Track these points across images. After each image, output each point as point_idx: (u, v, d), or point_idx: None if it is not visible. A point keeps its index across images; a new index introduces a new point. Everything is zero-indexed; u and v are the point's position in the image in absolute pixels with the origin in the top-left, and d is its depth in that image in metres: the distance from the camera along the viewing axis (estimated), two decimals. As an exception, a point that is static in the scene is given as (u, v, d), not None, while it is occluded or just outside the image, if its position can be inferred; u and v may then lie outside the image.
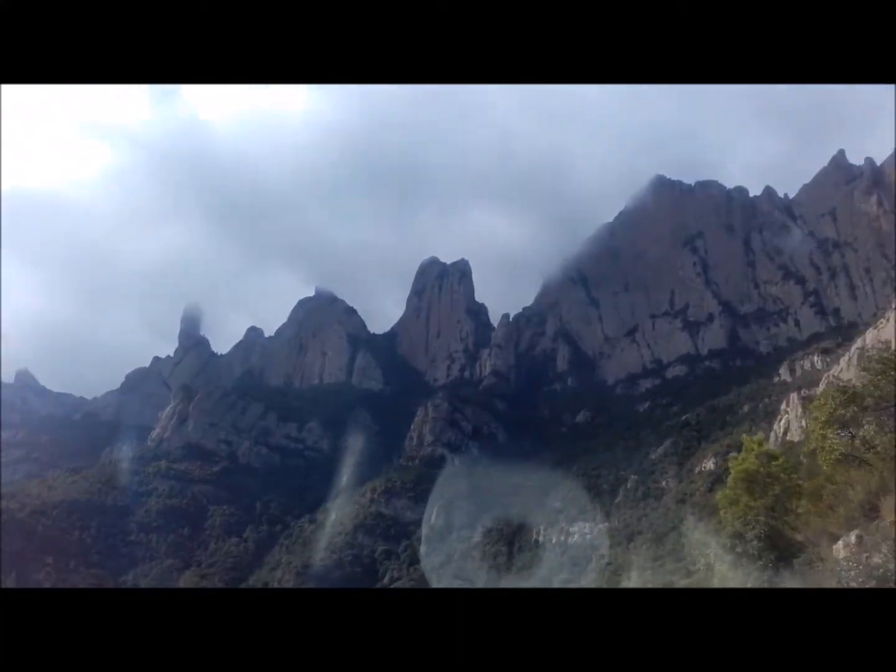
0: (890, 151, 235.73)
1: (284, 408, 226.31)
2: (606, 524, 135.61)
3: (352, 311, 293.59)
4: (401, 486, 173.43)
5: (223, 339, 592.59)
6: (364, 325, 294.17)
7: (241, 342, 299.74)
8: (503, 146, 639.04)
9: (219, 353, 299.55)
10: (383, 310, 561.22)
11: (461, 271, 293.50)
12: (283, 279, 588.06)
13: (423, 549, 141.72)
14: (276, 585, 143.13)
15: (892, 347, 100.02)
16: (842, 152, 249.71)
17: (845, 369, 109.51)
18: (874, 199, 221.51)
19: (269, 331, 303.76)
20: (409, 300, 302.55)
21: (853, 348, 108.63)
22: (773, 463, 27.60)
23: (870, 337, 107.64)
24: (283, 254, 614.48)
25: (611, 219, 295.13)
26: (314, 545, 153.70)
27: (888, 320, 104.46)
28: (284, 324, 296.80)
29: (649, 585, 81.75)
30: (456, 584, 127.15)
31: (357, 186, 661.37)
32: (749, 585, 21.04)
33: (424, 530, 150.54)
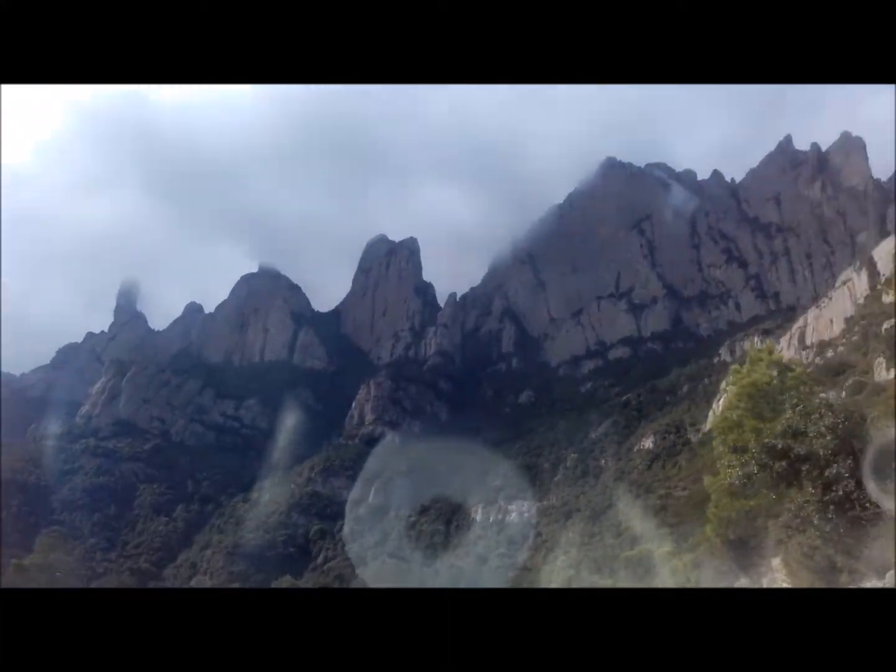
0: (835, 138, 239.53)
1: (222, 385, 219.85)
2: (545, 502, 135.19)
3: (296, 288, 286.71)
4: (339, 464, 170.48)
5: (161, 315, 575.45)
6: (308, 303, 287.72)
7: (179, 318, 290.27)
8: (457, 123, 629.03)
9: (156, 329, 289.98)
10: (329, 287, 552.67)
11: (409, 249, 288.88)
12: (225, 254, 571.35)
13: (353, 528, 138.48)
14: (204, 566, 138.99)
15: (833, 328, 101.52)
16: (788, 138, 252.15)
17: (786, 349, 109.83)
18: (818, 185, 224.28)
19: (210, 307, 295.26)
20: (355, 278, 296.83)
21: (794, 328, 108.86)
22: (790, 375, 22.38)
23: (811, 317, 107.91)
24: (227, 228, 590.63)
25: (561, 200, 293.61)
26: (247, 525, 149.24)
27: (830, 299, 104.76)
28: (226, 300, 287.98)
29: (586, 560, 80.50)
30: (390, 563, 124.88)
31: (305, 160, 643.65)
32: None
33: (360, 509, 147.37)
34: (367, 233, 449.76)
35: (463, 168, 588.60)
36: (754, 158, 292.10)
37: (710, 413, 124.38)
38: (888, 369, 58.77)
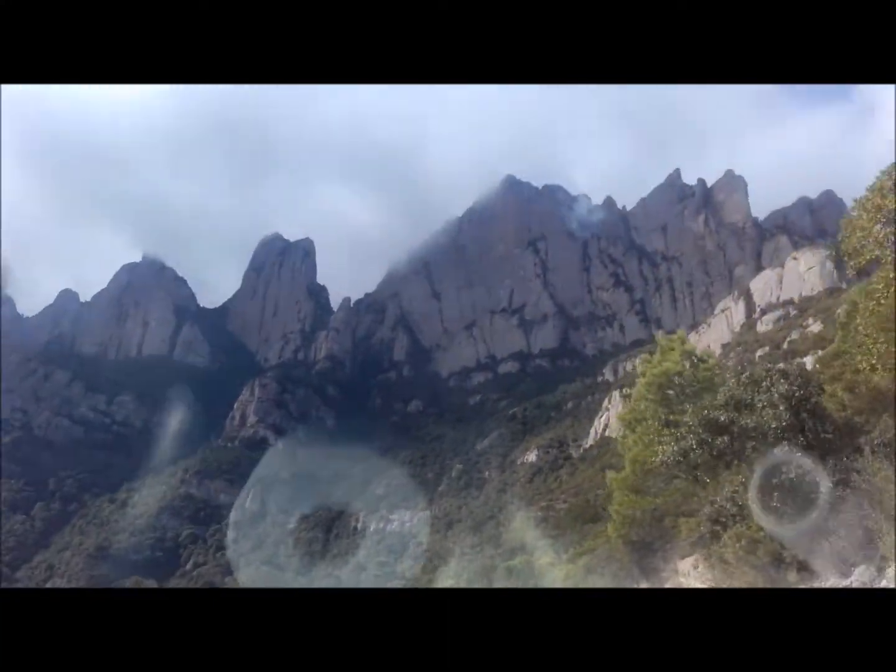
0: (720, 174, 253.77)
1: (94, 378, 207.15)
2: (428, 512, 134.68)
3: (181, 282, 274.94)
4: (216, 467, 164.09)
5: (32, 300, 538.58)
6: (194, 297, 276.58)
7: (51, 305, 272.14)
8: (361, 127, 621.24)
9: (25, 315, 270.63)
10: (217, 283, 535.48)
11: (305, 250, 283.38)
12: (107, 242, 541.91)
13: (231, 535, 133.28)
14: (62, 568, 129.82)
15: (712, 350, 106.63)
16: (677, 171, 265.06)
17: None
18: (702, 218, 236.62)
19: (87, 296, 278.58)
20: (246, 275, 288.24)
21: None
22: (703, 366, 20.77)
23: (691, 341, 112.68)
24: (110, 215, 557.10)
25: (460, 213, 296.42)
26: (112, 527, 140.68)
27: (709, 325, 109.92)
28: (104, 289, 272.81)
29: (466, 571, 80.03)
30: (264, 570, 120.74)
31: (200, 151, 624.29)
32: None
33: (237, 514, 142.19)
34: (260, 230, 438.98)
35: (364, 172, 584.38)
36: (645, 188, 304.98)
37: (592, 431, 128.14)
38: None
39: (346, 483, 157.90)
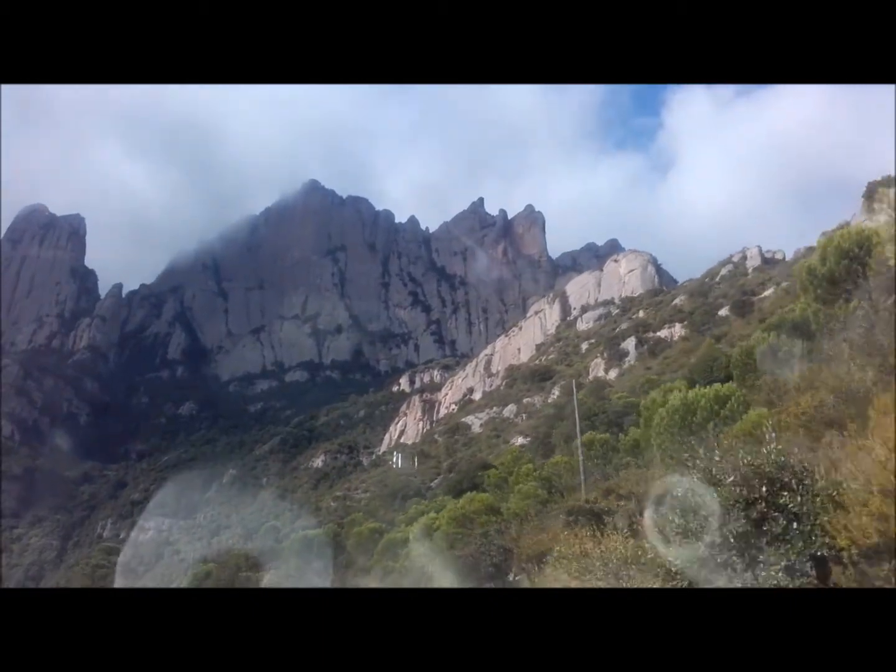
0: (520, 209, 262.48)
1: None
2: (190, 520, 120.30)
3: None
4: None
5: None
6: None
7: None
8: (157, 91, 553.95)
9: None
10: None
11: (73, 227, 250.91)
12: None
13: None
14: None
15: (521, 355, 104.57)
16: (481, 200, 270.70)
17: (471, 375, 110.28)
18: (501, 247, 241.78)
19: None
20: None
21: (482, 354, 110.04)
22: None
23: (499, 345, 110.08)
24: None
25: (258, 211, 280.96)
26: None
27: (520, 328, 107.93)
28: None
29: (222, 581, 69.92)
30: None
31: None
32: None
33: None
34: (22, 198, 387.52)
35: (154, 147, 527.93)
36: (448, 213, 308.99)
37: (387, 436, 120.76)
38: (606, 370, 59.48)
39: (97, 486, 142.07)
